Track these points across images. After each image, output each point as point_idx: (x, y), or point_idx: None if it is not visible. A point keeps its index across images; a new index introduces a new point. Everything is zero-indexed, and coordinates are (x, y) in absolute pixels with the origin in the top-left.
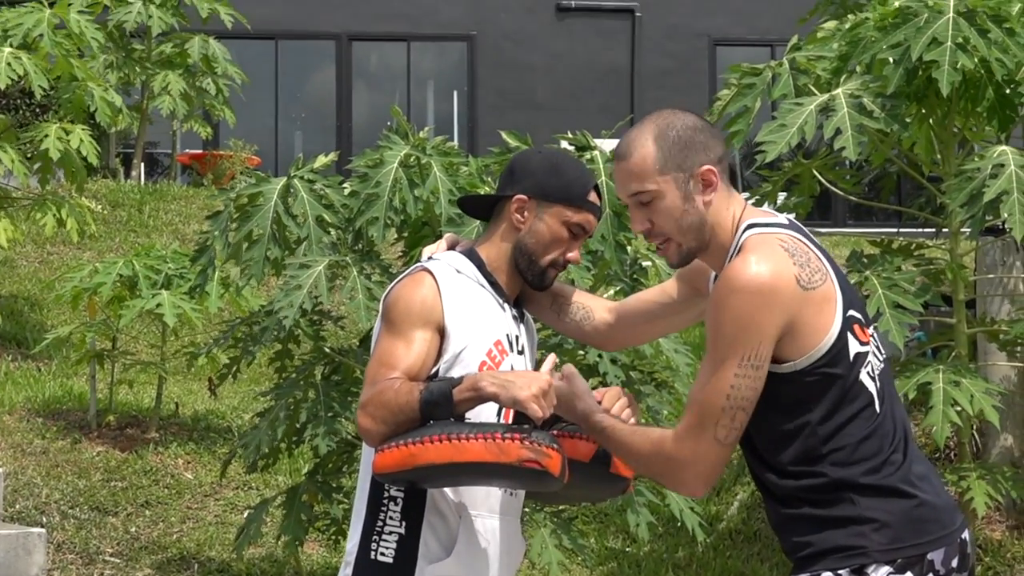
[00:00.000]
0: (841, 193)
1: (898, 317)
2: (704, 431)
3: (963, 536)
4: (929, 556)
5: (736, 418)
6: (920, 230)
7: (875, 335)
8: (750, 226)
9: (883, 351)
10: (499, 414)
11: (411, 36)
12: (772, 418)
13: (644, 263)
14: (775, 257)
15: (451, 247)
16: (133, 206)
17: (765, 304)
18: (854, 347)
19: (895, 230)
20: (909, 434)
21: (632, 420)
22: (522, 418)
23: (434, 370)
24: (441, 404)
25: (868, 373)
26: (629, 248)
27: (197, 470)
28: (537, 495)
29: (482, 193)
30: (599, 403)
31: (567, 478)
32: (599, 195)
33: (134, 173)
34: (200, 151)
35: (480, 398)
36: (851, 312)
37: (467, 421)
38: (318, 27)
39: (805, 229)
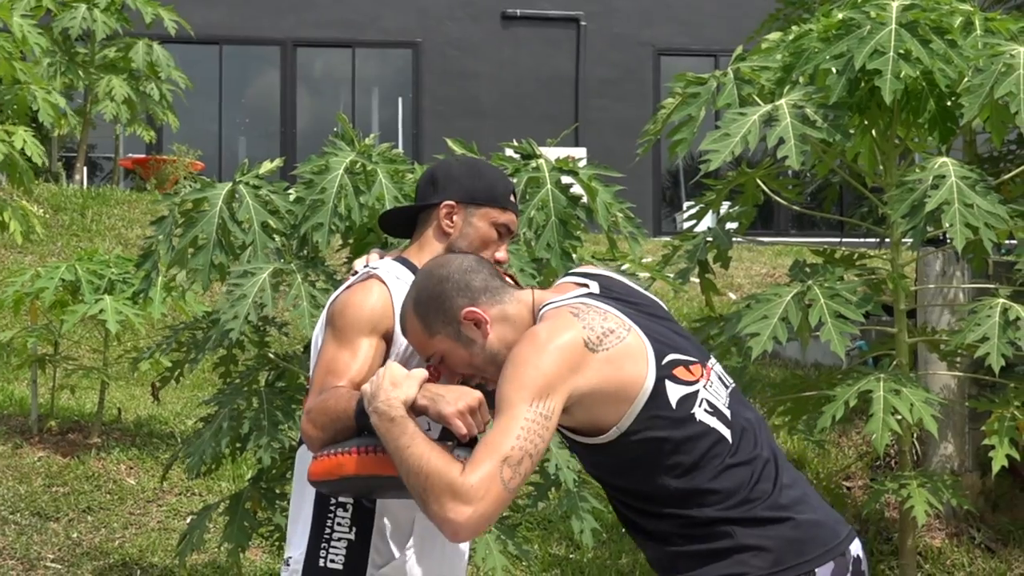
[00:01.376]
0: (784, 203)
1: (839, 327)
2: (492, 470)
3: (851, 547)
4: (817, 572)
5: (523, 463)
6: (862, 240)
7: (716, 366)
8: (544, 306)
9: (728, 380)
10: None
11: (356, 42)
12: (625, 482)
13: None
14: (561, 323)
15: (380, 258)
16: (75, 210)
17: (553, 361)
18: (677, 392)
19: (838, 240)
20: (779, 458)
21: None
22: (448, 434)
23: None
24: None
25: (706, 410)
26: (574, 255)
27: (140, 476)
28: None
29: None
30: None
31: None
32: (516, 197)
33: (77, 177)
34: (143, 155)
35: (413, 412)
36: (670, 357)
37: None
38: (262, 32)
39: (621, 283)
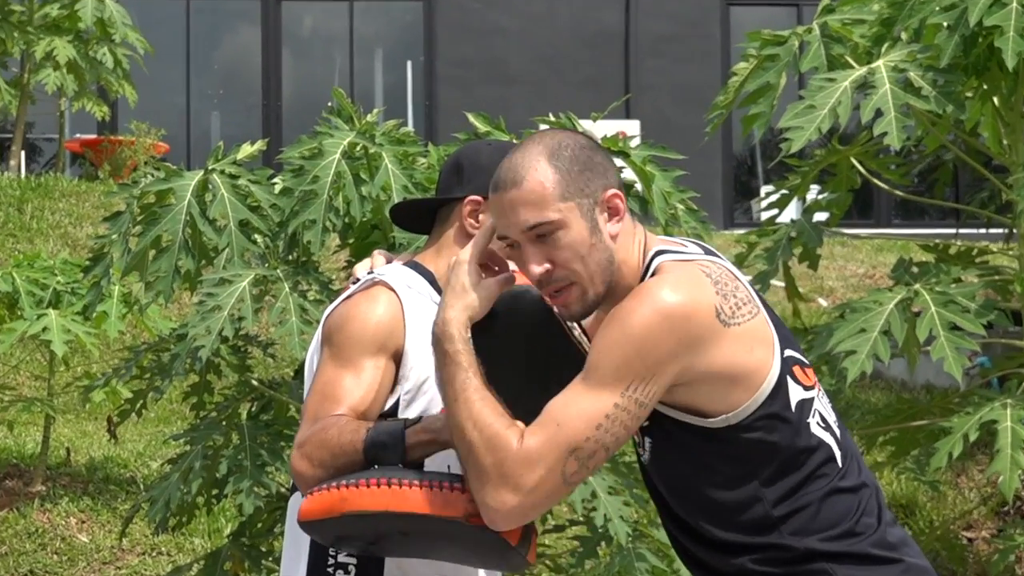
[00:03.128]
0: (885, 187)
1: (955, 341)
2: (555, 458)
3: None
4: None
5: (595, 457)
6: (983, 231)
7: (819, 384)
8: (659, 253)
9: (831, 400)
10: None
11: None
12: (707, 486)
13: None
14: (694, 281)
15: (388, 263)
16: (11, 204)
17: (671, 331)
18: (797, 393)
19: (952, 231)
20: (880, 494)
21: None
22: None
23: (392, 403)
24: (389, 446)
25: (818, 423)
26: None
27: (94, 531)
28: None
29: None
30: None
31: (531, 554)
32: None
33: (12, 163)
34: (94, 136)
35: (438, 443)
36: (789, 352)
37: (416, 470)
38: None
39: (727, 260)
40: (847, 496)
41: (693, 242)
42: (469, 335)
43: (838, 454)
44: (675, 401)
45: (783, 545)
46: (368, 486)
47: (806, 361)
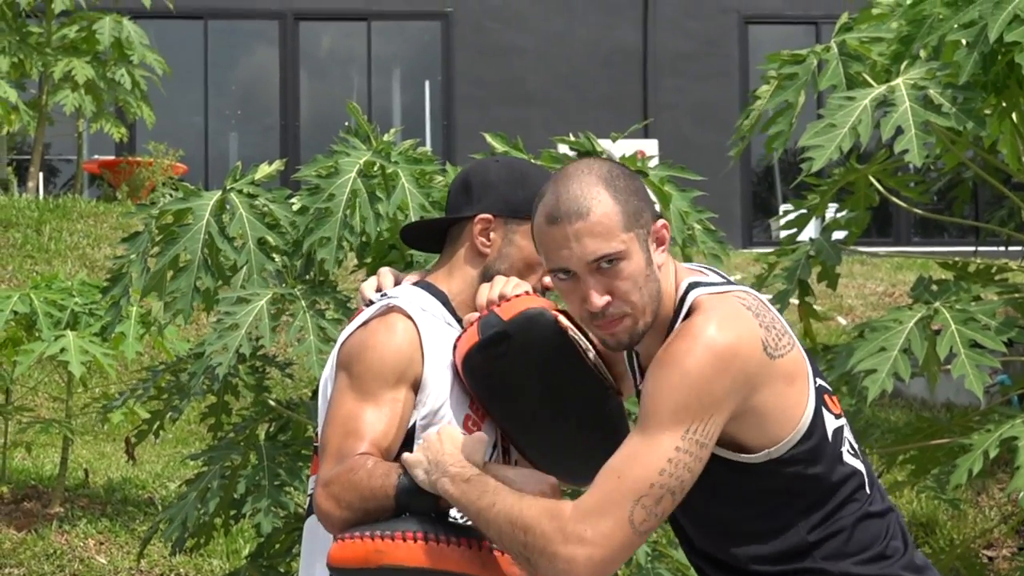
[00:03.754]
0: (904, 205)
1: (976, 359)
2: (619, 508)
3: None
4: None
5: (662, 503)
6: (1002, 249)
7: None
8: (693, 285)
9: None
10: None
11: (372, 14)
12: (741, 517)
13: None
14: (738, 318)
15: (396, 283)
16: (29, 226)
17: (725, 370)
18: (831, 423)
19: (971, 249)
20: (902, 519)
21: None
22: None
23: (408, 427)
24: (422, 495)
25: (848, 451)
26: None
27: (112, 553)
28: None
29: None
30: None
31: None
32: None
33: (30, 185)
34: (112, 157)
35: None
36: (820, 382)
37: (451, 522)
38: (258, 4)
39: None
40: (877, 521)
41: (711, 269)
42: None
43: (867, 480)
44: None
45: (817, 570)
46: (404, 539)
47: (830, 389)
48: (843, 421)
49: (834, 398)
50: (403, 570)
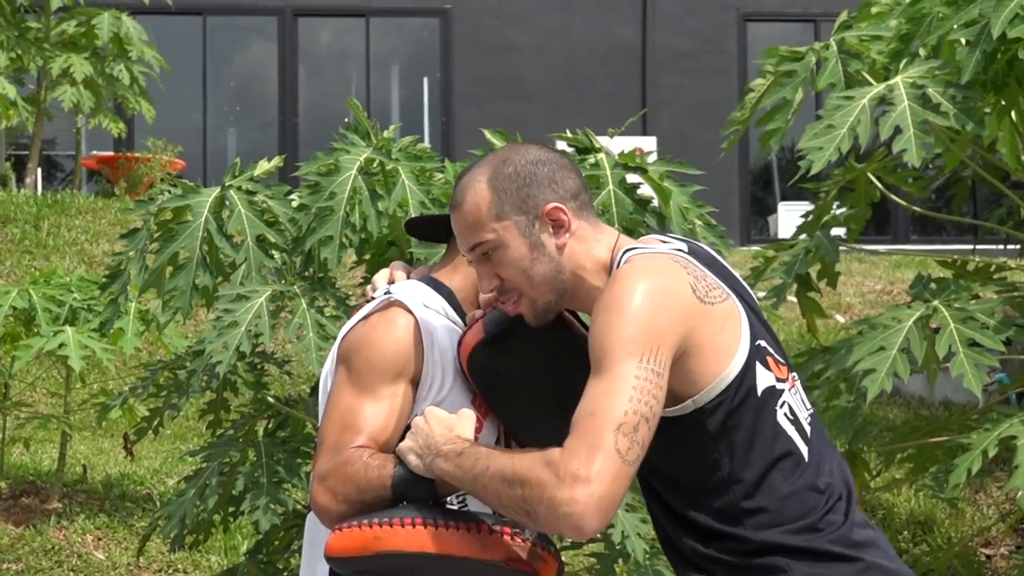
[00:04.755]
0: (903, 203)
1: (974, 357)
2: (603, 440)
3: None
4: None
5: (640, 429)
6: (1001, 247)
7: (798, 383)
8: (628, 250)
9: (808, 404)
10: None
11: (370, 10)
12: (681, 471)
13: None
14: (665, 266)
15: (407, 275)
16: (28, 221)
17: (661, 305)
18: (764, 379)
19: (970, 247)
20: (853, 496)
21: None
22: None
23: (410, 420)
24: (419, 483)
25: (786, 415)
26: None
27: (110, 548)
28: None
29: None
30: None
31: None
32: None
33: (28, 180)
34: (111, 153)
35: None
36: (760, 342)
37: (447, 508)
38: (257, 0)
39: (709, 253)
40: (811, 495)
41: (676, 237)
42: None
43: (804, 449)
44: None
45: (745, 537)
46: (403, 525)
47: (781, 359)
48: (785, 386)
49: (782, 367)
50: (403, 555)
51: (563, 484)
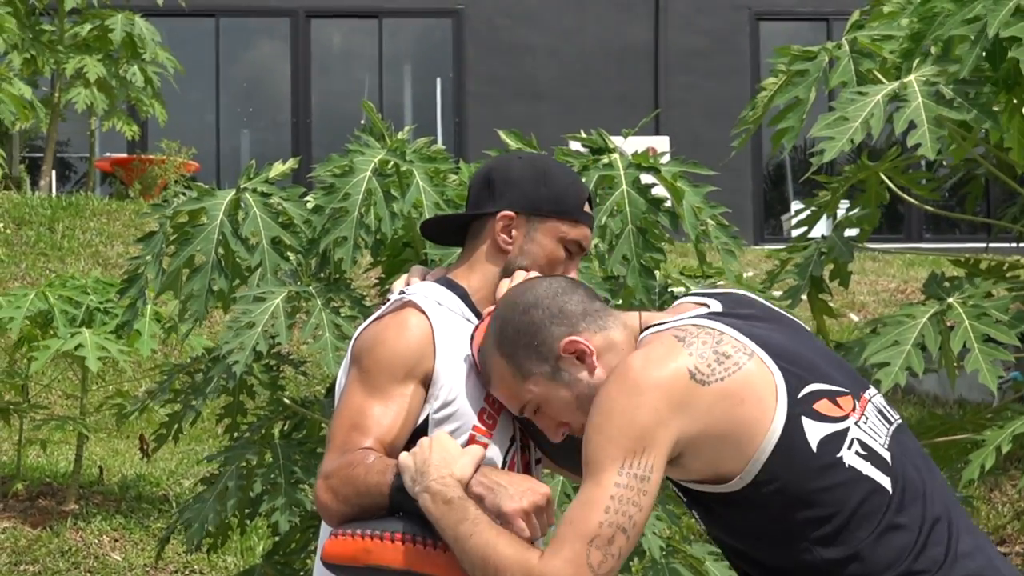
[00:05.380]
0: (915, 202)
1: (989, 353)
2: (576, 554)
3: None
4: None
5: (615, 542)
6: (1014, 245)
7: (876, 397)
8: (646, 329)
9: (892, 415)
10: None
11: (383, 11)
12: (755, 550)
13: (675, 289)
14: (661, 350)
15: (423, 279)
16: (43, 224)
17: (649, 402)
18: (817, 432)
19: (983, 245)
20: (955, 517)
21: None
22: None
23: (421, 420)
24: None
25: (857, 453)
26: (657, 272)
27: (127, 550)
28: None
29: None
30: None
31: None
32: (592, 205)
33: (43, 183)
34: (125, 155)
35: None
36: (810, 388)
37: None
38: (269, 1)
39: (751, 299)
40: (903, 533)
41: (712, 293)
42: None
43: (886, 483)
44: (692, 473)
45: None
46: (393, 541)
47: (841, 389)
48: (848, 423)
49: (839, 400)
50: (388, 571)
51: None
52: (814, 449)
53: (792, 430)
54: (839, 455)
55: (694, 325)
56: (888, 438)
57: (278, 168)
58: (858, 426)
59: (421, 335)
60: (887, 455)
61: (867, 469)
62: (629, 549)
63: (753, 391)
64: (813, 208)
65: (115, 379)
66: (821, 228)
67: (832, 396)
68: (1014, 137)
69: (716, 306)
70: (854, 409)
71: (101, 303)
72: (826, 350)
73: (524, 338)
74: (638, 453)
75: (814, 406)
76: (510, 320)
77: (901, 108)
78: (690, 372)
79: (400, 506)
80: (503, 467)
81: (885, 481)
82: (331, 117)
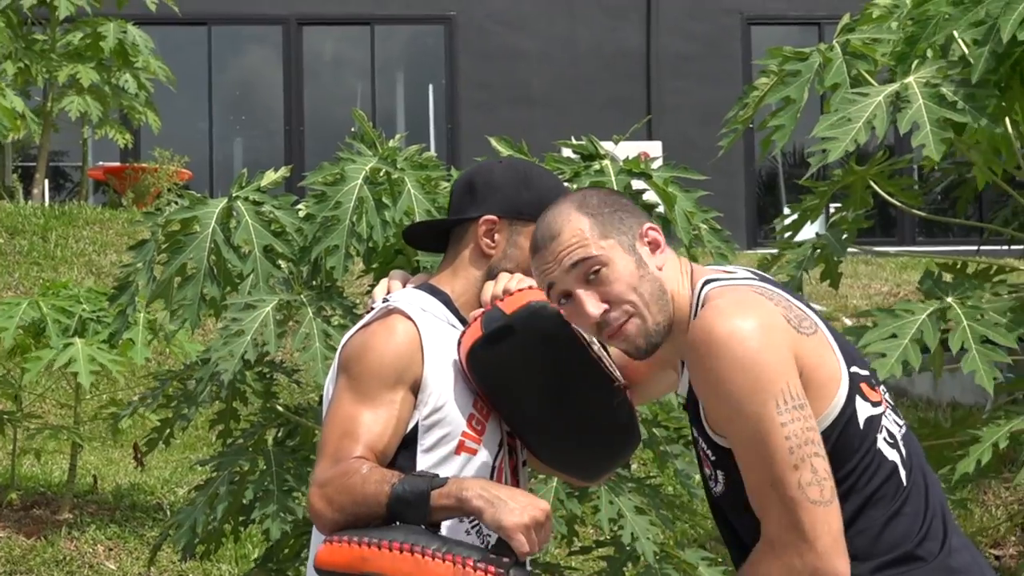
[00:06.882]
0: (903, 206)
1: (987, 355)
2: (796, 503)
3: None
4: None
5: (816, 467)
6: (1006, 248)
7: (886, 394)
8: (708, 282)
9: (900, 419)
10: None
11: (375, 18)
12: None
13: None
14: (751, 300)
15: (404, 284)
16: (36, 233)
17: (768, 342)
18: (864, 410)
19: (975, 248)
20: (948, 516)
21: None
22: (505, 546)
23: (411, 426)
24: (414, 505)
25: (885, 439)
26: None
27: (121, 559)
28: None
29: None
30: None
31: None
32: None
33: (36, 192)
34: (117, 164)
35: (461, 510)
36: (854, 369)
37: (439, 534)
38: (261, 9)
39: (775, 281)
40: (908, 520)
41: (745, 268)
42: None
43: (902, 472)
44: None
45: None
46: (391, 549)
47: (874, 379)
48: (881, 409)
49: (874, 388)
50: None
51: (803, 555)
52: (861, 425)
53: (851, 400)
54: (874, 437)
55: (765, 287)
56: (903, 434)
57: (270, 176)
58: (885, 416)
59: (409, 341)
60: (904, 449)
61: (892, 455)
62: (828, 468)
63: (827, 353)
64: (799, 212)
65: (109, 388)
66: (811, 230)
67: (868, 382)
68: (1000, 139)
69: (756, 278)
70: (883, 400)
71: (94, 312)
72: (848, 342)
73: (608, 207)
74: (784, 388)
75: (860, 385)
76: (594, 194)
77: (903, 109)
78: (785, 318)
79: (399, 516)
80: (492, 471)
81: (903, 473)
82: (324, 124)
